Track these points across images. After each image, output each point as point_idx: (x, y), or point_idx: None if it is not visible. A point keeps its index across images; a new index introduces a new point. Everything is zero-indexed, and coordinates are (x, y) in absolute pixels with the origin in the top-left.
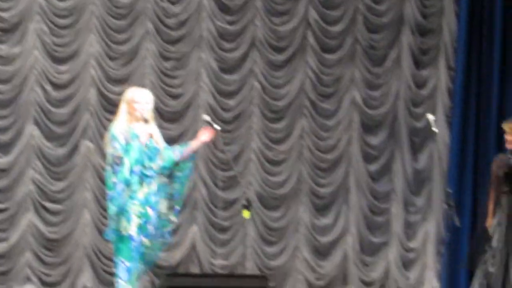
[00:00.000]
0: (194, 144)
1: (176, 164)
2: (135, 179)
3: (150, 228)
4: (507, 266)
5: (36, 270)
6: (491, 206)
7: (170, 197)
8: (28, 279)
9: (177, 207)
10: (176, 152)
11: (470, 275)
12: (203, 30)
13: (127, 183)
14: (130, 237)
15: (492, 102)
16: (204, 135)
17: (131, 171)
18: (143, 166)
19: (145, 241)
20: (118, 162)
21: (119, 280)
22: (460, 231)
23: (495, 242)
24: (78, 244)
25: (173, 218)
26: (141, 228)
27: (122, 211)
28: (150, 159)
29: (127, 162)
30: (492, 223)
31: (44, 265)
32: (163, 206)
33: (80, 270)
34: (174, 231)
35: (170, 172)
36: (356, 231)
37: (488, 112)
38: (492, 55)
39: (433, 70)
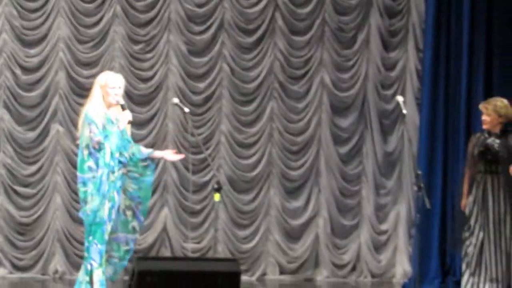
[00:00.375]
0: (157, 154)
1: (139, 161)
2: (116, 165)
3: (113, 213)
4: (483, 243)
5: (7, 254)
6: (466, 186)
7: (130, 197)
8: (0, 263)
9: (140, 215)
10: (143, 149)
11: (442, 258)
12: (172, 13)
13: (110, 168)
14: (103, 221)
15: (461, 83)
16: (170, 156)
17: (113, 157)
18: (120, 153)
19: (108, 225)
20: (96, 147)
21: (92, 262)
22: (430, 213)
23: (472, 221)
24: (49, 228)
25: (135, 224)
26: (110, 213)
27: (102, 196)
28: (124, 147)
29: (108, 147)
30: (468, 201)
31: (16, 249)
32: (123, 201)
33: (51, 254)
34: (147, 214)
35: (129, 167)
36: (327, 213)
37: (457, 93)
38: (460, 36)
39: (402, 51)
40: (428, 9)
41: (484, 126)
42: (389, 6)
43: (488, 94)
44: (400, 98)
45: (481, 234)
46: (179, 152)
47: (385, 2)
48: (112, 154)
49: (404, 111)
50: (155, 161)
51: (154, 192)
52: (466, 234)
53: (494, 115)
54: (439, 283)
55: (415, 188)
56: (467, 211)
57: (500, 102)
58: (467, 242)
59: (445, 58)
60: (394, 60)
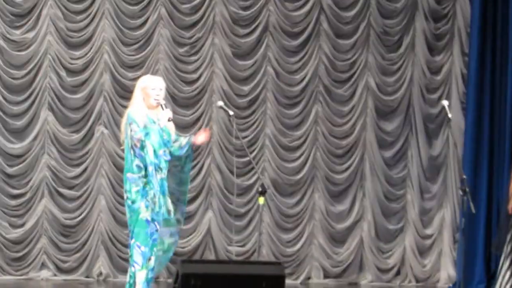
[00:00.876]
0: (193, 141)
1: (178, 156)
2: (162, 163)
3: (162, 213)
4: None
5: (52, 256)
6: (511, 190)
7: (171, 192)
8: (44, 265)
9: (182, 206)
10: (184, 144)
11: (487, 262)
12: (217, 15)
13: (155, 167)
14: (146, 222)
15: (507, 87)
16: (200, 138)
17: (156, 155)
18: (164, 151)
19: (158, 227)
20: (137, 144)
21: (135, 264)
22: (475, 217)
23: None
24: (93, 230)
25: (179, 216)
26: (155, 215)
27: (163, 193)
28: (165, 144)
29: (149, 145)
30: None
31: (60, 251)
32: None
33: (95, 256)
34: (189, 218)
35: (171, 163)
36: (371, 217)
37: (503, 98)
38: (506, 40)
39: (447, 55)
40: (474, 13)
41: None
42: (435, 9)
43: None
44: (445, 102)
45: None
46: (223, 155)
47: (431, 5)
48: (155, 151)
49: (450, 115)
50: (193, 148)
51: (198, 195)
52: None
53: None
54: (484, 287)
55: (460, 192)
56: None
57: None
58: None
59: (491, 62)
60: (439, 64)
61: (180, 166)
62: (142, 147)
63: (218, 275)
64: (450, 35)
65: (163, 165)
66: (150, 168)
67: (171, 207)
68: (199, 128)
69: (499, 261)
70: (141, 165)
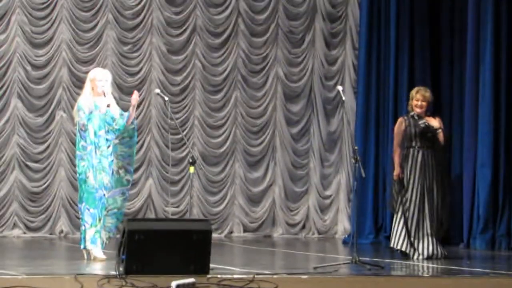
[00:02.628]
0: (131, 110)
1: (125, 128)
2: (102, 141)
3: (107, 181)
4: (423, 213)
5: (22, 218)
6: (397, 159)
7: (122, 158)
8: (15, 225)
9: (131, 168)
10: (123, 119)
11: (375, 218)
12: (154, 19)
13: (95, 145)
14: (94, 188)
15: (389, 75)
16: (133, 100)
17: (96, 135)
18: (106, 131)
19: (105, 192)
20: (83, 128)
21: (85, 224)
22: (365, 180)
23: (410, 187)
24: (55, 196)
25: (128, 177)
26: (102, 181)
27: (92, 167)
28: (109, 124)
29: (91, 128)
30: (406, 171)
31: (28, 214)
32: (115, 165)
33: (57, 217)
34: (133, 185)
35: (121, 136)
36: (281, 182)
37: (386, 83)
38: (388, 36)
39: (341, 50)
40: (362, 15)
41: (419, 110)
42: (331, 12)
43: (411, 83)
44: (340, 88)
45: (420, 197)
46: (160, 133)
47: (327, 9)
48: (95, 132)
49: (344, 98)
50: (136, 121)
51: (140, 166)
52: (404, 198)
53: (426, 102)
54: (373, 238)
55: (353, 160)
56: (405, 179)
57: (429, 91)
58: (406, 205)
59: (376, 55)
60: (335, 57)
61: (128, 137)
62: (86, 130)
63: (157, 230)
64: (343, 33)
65: (103, 143)
66: (89, 148)
67: (119, 170)
68: (141, 112)
69: (392, 218)
70: (85, 144)
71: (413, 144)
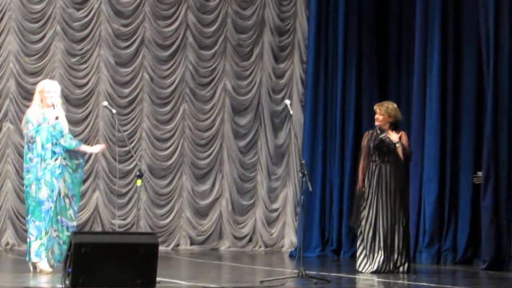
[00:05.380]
0: (88, 148)
1: (71, 151)
2: (48, 154)
3: (54, 195)
4: (376, 222)
5: None
6: (361, 173)
7: (67, 184)
8: None
9: (74, 204)
10: (74, 141)
11: (322, 231)
12: (102, 31)
13: (41, 157)
14: (41, 201)
15: (337, 88)
16: (96, 149)
17: (44, 148)
18: (53, 144)
19: (52, 205)
20: (31, 141)
21: (30, 236)
22: (312, 194)
23: (368, 201)
24: (1, 208)
25: (71, 212)
26: (49, 195)
27: (37, 180)
28: (56, 138)
29: (38, 140)
30: (365, 185)
31: None
32: (63, 188)
33: (3, 230)
34: (80, 197)
35: (66, 160)
36: (229, 195)
37: (334, 97)
38: (336, 50)
39: (289, 63)
40: (310, 29)
41: (376, 123)
42: (279, 26)
43: (358, 97)
44: (287, 101)
45: (374, 212)
46: (108, 145)
47: (276, 23)
48: (42, 145)
49: (291, 112)
50: (85, 158)
51: (87, 178)
52: (362, 212)
53: (385, 115)
54: (319, 251)
55: (300, 174)
56: (365, 194)
57: (391, 105)
58: (363, 219)
59: (324, 68)
60: (283, 70)
61: (72, 169)
62: (34, 142)
63: (104, 244)
64: (291, 47)
65: (48, 155)
66: (35, 160)
67: (65, 198)
68: (89, 124)
69: (357, 234)
70: (32, 157)
71: (373, 158)
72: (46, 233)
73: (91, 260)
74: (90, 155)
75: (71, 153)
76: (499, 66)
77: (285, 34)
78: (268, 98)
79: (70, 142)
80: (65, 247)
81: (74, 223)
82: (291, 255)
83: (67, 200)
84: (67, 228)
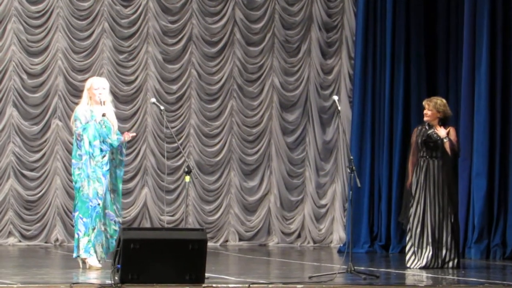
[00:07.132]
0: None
1: (118, 151)
2: (96, 151)
3: (102, 191)
4: (424, 218)
5: (17, 226)
6: (410, 169)
7: (111, 179)
8: (10, 233)
9: (118, 205)
10: (116, 138)
11: (370, 227)
12: (150, 28)
13: (89, 155)
14: (89, 198)
15: (385, 84)
16: (126, 136)
17: (91, 145)
18: (101, 141)
19: (100, 202)
20: (79, 138)
21: (78, 232)
22: (361, 190)
23: (416, 197)
24: (51, 204)
25: (116, 207)
26: (96, 191)
27: (87, 177)
28: (104, 135)
29: (86, 138)
30: (412, 181)
31: (24, 222)
32: (110, 183)
33: (53, 226)
34: (129, 193)
35: (114, 152)
36: (277, 191)
37: (382, 93)
38: (384, 46)
39: (337, 59)
40: (358, 25)
41: (425, 119)
42: (327, 22)
43: (406, 93)
44: (335, 97)
45: (422, 207)
46: (156, 142)
47: (323, 19)
48: (90, 142)
49: (339, 108)
50: (124, 156)
51: (136, 174)
52: (410, 208)
53: (434, 111)
54: (367, 247)
55: (348, 170)
56: (412, 189)
57: (440, 100)
58: (411, 215)
59: (372, 64)
60: (331, 66)
61: (115, 164)
62: (81, 139)
63: (152, 240)
64: (339, 43)
65: (97, 153)
66: (84, 157)
67: (110, 188)
68: (137, 120)
69: (406, 230)
70: (81, 154)
71: (422, 153)
72: (93, 229)
73: (140, 256)
74: (138, 152)
75: (119, 148)
76: None
77: (332, 30)
78: (316, 94)
79: (113, 140)
80: (111, 240)
81: (120, 219)
82: (340, 251)
83: (112, 195)
84: (114, 222)
